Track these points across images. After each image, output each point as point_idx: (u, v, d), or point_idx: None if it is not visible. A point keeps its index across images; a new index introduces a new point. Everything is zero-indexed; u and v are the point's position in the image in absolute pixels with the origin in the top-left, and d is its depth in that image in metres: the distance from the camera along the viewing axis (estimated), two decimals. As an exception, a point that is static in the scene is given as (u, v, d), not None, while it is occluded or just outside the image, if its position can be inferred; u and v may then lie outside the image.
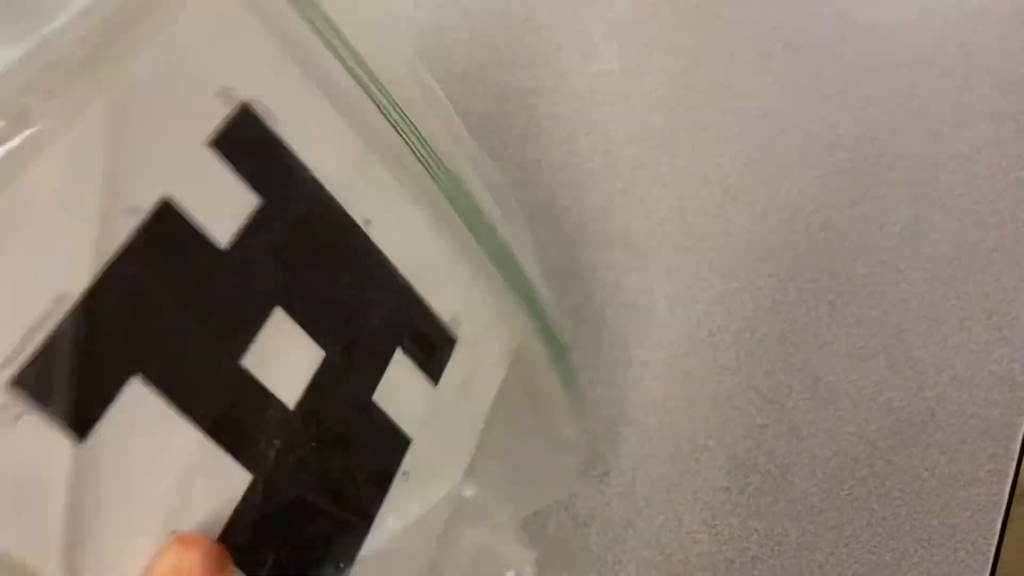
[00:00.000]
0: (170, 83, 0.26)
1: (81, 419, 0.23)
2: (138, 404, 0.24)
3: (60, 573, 0.22)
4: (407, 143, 0.31)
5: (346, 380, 0.30)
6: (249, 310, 0.27)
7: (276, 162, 0.28)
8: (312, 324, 0.28)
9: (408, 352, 0.31)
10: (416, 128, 0.32)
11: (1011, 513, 0.46)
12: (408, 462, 0.31)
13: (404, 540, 0.30)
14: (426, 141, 0.32)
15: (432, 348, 0.33)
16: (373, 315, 0.31)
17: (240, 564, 0.25)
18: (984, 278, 0.50)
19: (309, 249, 0.29)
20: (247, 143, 0.27)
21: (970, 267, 0.50)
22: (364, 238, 0.30)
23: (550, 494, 0.42)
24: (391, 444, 0.31)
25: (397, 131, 0.31)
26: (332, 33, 0.30)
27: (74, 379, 0.23)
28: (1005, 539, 0.46)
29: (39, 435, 0.22)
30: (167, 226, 0.25)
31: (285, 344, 0.28)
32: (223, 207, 0.27)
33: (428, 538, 0.31)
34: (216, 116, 0.27)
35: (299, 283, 0.29)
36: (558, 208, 0.53)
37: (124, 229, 0.24)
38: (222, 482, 0.26)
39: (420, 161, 0.32)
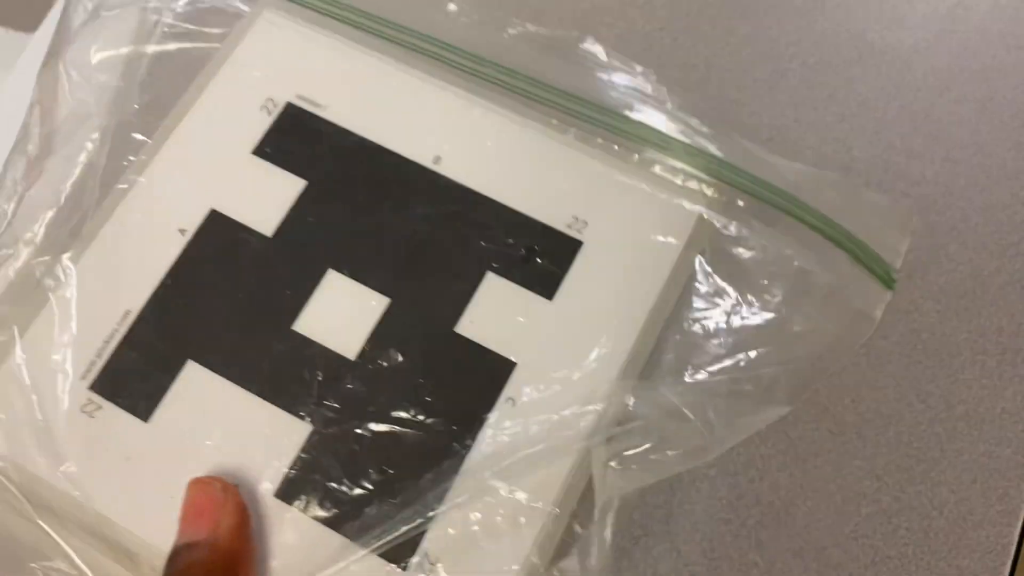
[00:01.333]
0: (224, 109, 0.32)
1: (144, 406, 0.30)
2: (193, 382, 0.30)
3: (131, 524, 0.28)
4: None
5: (418, 319, 0.31)
6: (298, 280, 0.30)
7: (322, 143, 0.31)
8: (371, 276, 0.31)
9: (503, 273, 0.31)
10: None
11: (1021, 556, 0.44)
12: (510, 388, 0.31)
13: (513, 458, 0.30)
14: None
15: (540, 260, 0.32)
16: (449, 247, 0.31)
17: (307, 503, 0.29)
18: (998, 312, 0.48)
19: (364, 206, 0.31)
20: (292, 138, 0.31)
21: (984, 300, 0.48)
22: (432, 175, 0.32)
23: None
24: (488, 370, 0.31)
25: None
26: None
27: (137, 376, 0.30)
28: (1014, 584, 0.44)
29: (114, 421, 0.29)
30: (215, 230, 0.30)
31: (340, 301, 0.31)
32: (268, 201, 0.31)
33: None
34: (262, 125, 0.31)
35: (354, 242, 0.31)
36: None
37: (177, 247, 0.30)
38: (279, 436, 0.30)
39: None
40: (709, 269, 0.38)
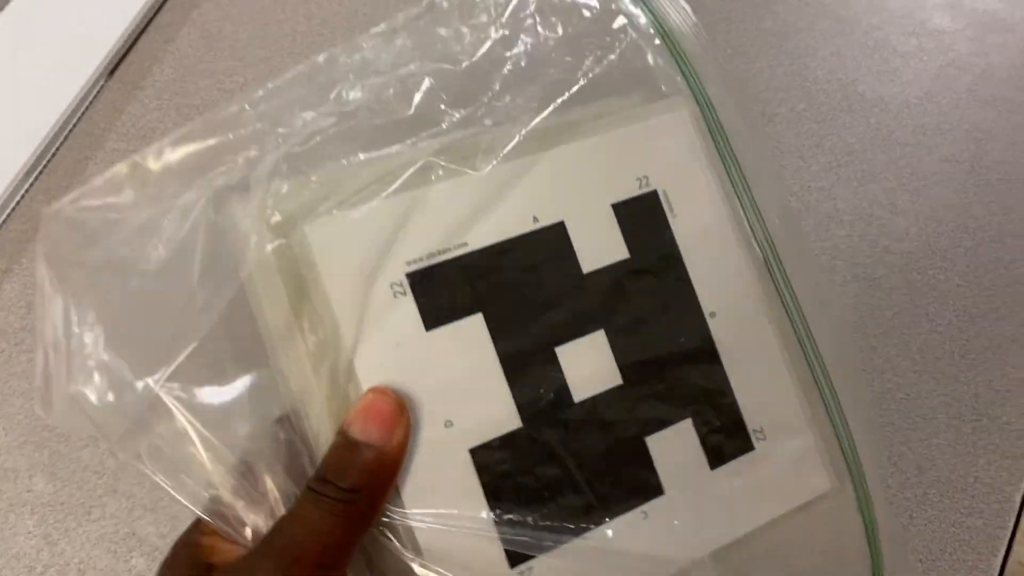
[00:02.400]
0: (609, 161, 0.36)
1: (432, 318, 0.33)
2: (470, 328, 0.33)
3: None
4: (773, 279, 0.37)
5: (629, 411, 0.35)
6: (580, 318, 0.35)
7: (655, 237, 0.36)
8: (622, 356, 0.35)
9: (698, 426, 0.36)
10: (786, 274, 0.38)
11: (987, 635, 0.42)
12: (651, 507, 0.35)
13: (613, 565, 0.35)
14: (791, 285, 0.38)
15: (724, 439, 0.36)
16: (681, 382, 0.36)
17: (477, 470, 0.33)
18: (976, 377, 0.47)
19: (650, 306, 0.36)
20: (640, 217, 0.36)
21: (962, 364, 0.47)
22: (703, 324, 0.36)
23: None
24: (643, 483, 0.34)
25: (766, 260, 0.37)
26: (736, 170, 0.38)
27: (442, 293, 0.33)
28: (979, 664, 0.42)
29: (407, 314, 0.33)
30: (554, 237, 0.35)
31: (593, 356, 0.35)
32: (597, 248, 0.36)
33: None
34: (629, 191, 0.36)
35: (629, 325, 0.36)
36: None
37: (528, 225, 0.35)
38: (495, 414, 0.33)
39: (780, 297, 0.37)
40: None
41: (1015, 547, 0.46)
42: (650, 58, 0.38)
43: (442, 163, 0.35)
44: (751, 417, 0.37)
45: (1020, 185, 0.51)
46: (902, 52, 0.55)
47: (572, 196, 0.36)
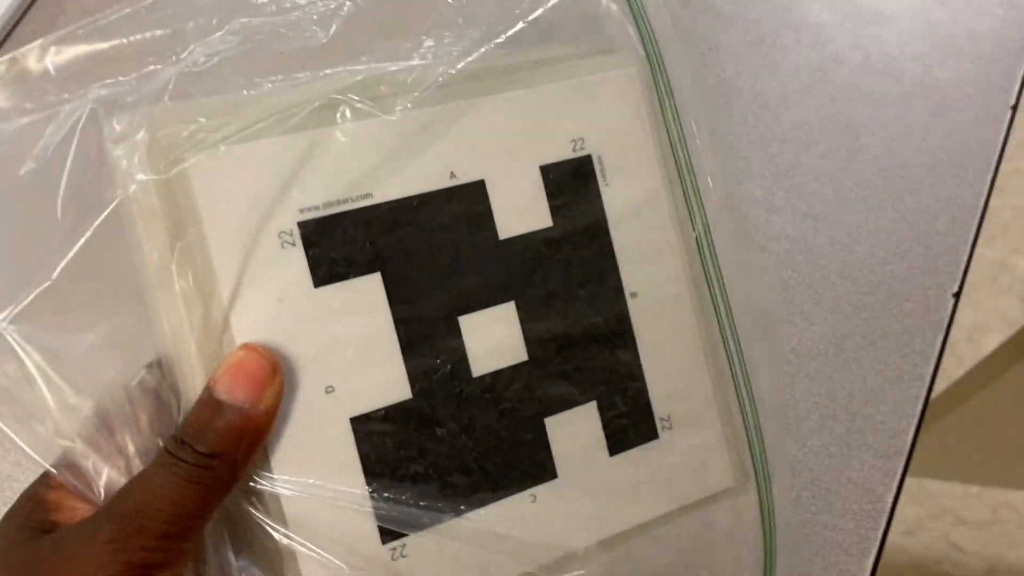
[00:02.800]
0: (543, 117, 0.34)
1: (323, 274, 0.30)
2: (365, 288, 0.31)
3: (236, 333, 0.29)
4: (703, 265, 0.36)
5: (531, 390, 0.33)
6: (489, 289, 0.33)
7: (584, 207, 0.34)
8: (531, 332, 0.33)
9: (603, 410, 0.34)
10: (718, 262, 0.36)
11: (859, 638, 0.42)
12: (541, 491, 0.33)
13: (498, 540, 0.33)
14: (721, 274, 0.36)
15: (628, 425, 0.35)
16: (591, 363, 0.34)
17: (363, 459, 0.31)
18: (850, 376, 0.46)
19: (568, 281, 0.34)
20: (570, 183, 0.34)
21: (836, 363, 0.46)
22: (622, 304, 0.35)
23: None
24: (536, 465, 0.33)
25: (699, 243, 0.36)
26: (682, 144, 0.36)
27: (337, 247, 0.30)
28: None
29: (295, 267, 0.30)
30: (470, 196, 0.32)
31: (499, 330, 0.33)
32: (518, 213, 0.33)
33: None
34: (561, 153, 0.34)
35: (542, 299, 0.34)
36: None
37: (443, 181, 0.32)
38: (383, 382, 0.31)
39: (708, 285, 0.36)
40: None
41: (941, 513, 0.45)
42: (603, 2, 0.35)
43: (354, 101, 0.31)
44: (659, 405, 0.35)
45: (895, 180, 0.51)
46: (781, 46, 0.54)
47: (497, 153, 0.33)
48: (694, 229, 0.36)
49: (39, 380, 0.29)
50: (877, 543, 0.43)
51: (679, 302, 0.36)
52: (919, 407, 0.45)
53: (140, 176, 0.28)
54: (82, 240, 0.28)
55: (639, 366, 0.35)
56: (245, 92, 0.30)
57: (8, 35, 0.55)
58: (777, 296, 0.48)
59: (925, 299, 0.48)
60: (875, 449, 0.45)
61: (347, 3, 0.31)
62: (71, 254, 0.28)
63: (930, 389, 0.46)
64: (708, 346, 0.36)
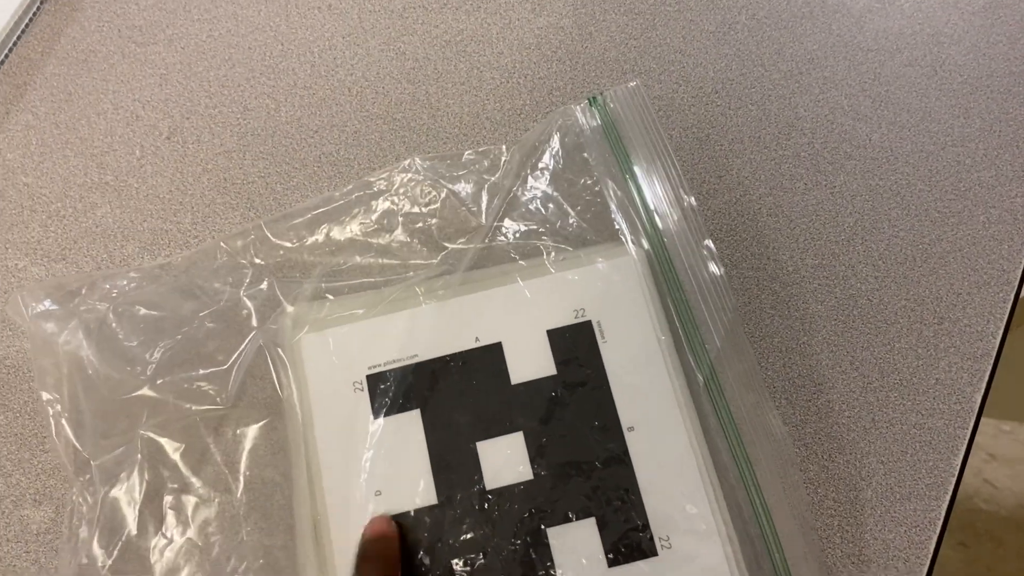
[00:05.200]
0: (552, 295, 0.43)
1: (379, 409, 0.42)
2: (408, 420, 0.41)
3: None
4: (712, 400, 0.41)
5: (535, 504, 0.40)
6: (501, 422, 0.41)
7: (583, 359, 0.42)
8: (536, 456, 0.41)
9: (601, 527, 0.40)
10: (724, 397, 0.42)
11: (946, 529, 0.43)
12: None
13: None
14: (728, 406, 0.41)
15: (626, 542, 0.39)
16: (590, 485, 0.40)
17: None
18: (937, 281, 0.46)
19: (569, 416, 0.41)
20: (572, 341, 0.42)
21: (924, 268, 0.47)
22: (620, 436, 0.41)
23: None
24: (538, 568, 0.39)
25: (707, 384, 0.42)
26: (684, 307, 0.43)
27: (389, 392, 0.42)
28: (939, 559, 0.42)
29: (361, 405, 0.42)
30: (490, 354, 0.42)
31: (509, 453, 0.41)
32: (527, 364, 0.42)
33: None
34: (565, 320, 0.43)
35: (546, 431, 0.41)
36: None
37: (469, 344, 0.42)
38: (417, 490, 0.40)
39: (717, 416, 0.41)
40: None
41: (973, 449, 0.46)
42: (617, 222, 0.44)
43: (419, 293, 0.43)
44: (657, 525, 0.40)
45: (981, 89, 0.50)
46: (864, -44, 0.53)
47: (512, 322, 0.43)
48: (699, 374, 0.42)
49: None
50: (965, 442, 0.44)
51: (676, 436, 0.41)
52: (1007, 310, 0.46)
53: (286, 339, 0.43)
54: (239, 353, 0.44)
55: (636, 489, 0.40)
56: (348, 292, 0.45)
57: (26, 27, 0.55)
58: (863, 204, 0.48)
59: (1012, 206, 0.48)
60: (963, 351, 0.45)
61: (433, 221, 0.46)
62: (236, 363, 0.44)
63: (1017, 294, 0.46)
64: (709, 474, 0.40)
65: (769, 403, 0.41)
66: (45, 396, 0.42)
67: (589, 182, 0.46)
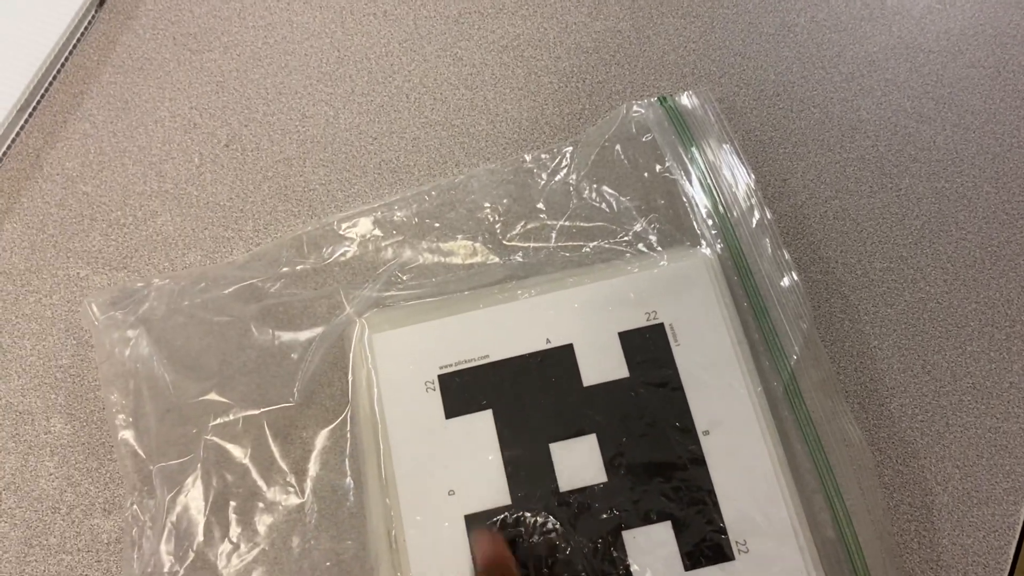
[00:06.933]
0: (623, 298, 0.43)
1: (452, 409, 0.42)
2: (480, 420, 0.42)
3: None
4: (792, 405, 0.41)
5: (610, 508, 0.40)
6: (574, 424, 0.41)
7: (657, 362, 0.42)
8: (611, 459, 0.40)
9: (677, 530, 0.39)
10: (804, 401, 0.41)
11: (1025, 537, 0.42)
12: None
13: None
14: (807, 409, 0.41)
15: (703, 546, 0.39)
16: (666, 488, 0.40)
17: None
18: (1008, 283, 0.46)
19: (645, 419, 0.41)
20: (644, 344, 0.42)
21: (993, 270, 0.46)
22: (695, 440, 0.40)
23: None
24: (615, 570, 0.38)
25: (787, 389, 0.41)
26: (761, 312, 0.43)
27: (462, 391, 0.42)
28: (1019, 564, 0.42)
29: (433, 405, 0.42)
30: (562, 355, 0.42)
31: (583, 455, 0.40)
32: (599, 367, 0.42)
33: None
34: (636, 322, 0.42)
35: (620, 433, 0.41)
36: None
37: (540, 345, 0.42)
38: (491, 489, 0.40)
39: (797, 420, 0.41)
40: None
41: None
42: (694, 225, 0.44)
43: (486, 294, 0.44)
44: (734, 529, 0.39)
45: (1047, 88, 0.50)
46: (922, -43, 0.53)
47: (584, 324, 0.43)
48: (777, 380, 0.41)
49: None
50: (1042, 445, 0.43)
51: (753, 440, 0.40)
52: (1081, 312, 0.45)
53: (355, 339, 0.43)
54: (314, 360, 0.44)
55: (712, 493, 0.40)
56: (415, 293, 0.45)
57: (81, 36, 0.55)
58: (930, 206, 0.47)
59: (1081, 208, 0.47)
60: (1036, 354, 0.45)
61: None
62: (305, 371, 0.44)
63: (1089, 296, 0.46)
64: (787, 479, 0.40)
65: (846, 409, 0.41)
66: (111, 403, 0.42)
67: (659, 182, 0.46)
